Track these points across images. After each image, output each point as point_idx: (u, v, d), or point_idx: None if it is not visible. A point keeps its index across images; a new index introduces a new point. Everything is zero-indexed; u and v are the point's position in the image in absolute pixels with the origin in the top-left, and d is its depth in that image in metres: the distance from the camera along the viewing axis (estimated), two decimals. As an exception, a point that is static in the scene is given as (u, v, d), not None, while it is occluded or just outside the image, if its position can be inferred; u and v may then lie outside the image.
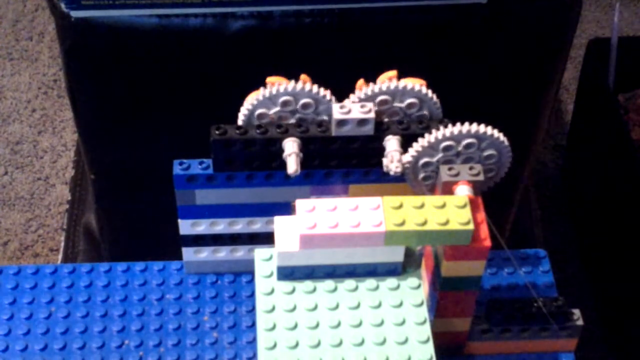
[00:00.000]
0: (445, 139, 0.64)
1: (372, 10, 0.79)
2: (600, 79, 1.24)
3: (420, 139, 0.65)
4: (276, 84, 0.66)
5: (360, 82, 0.66)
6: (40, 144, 1.49)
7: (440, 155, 0.65)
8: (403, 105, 0.66)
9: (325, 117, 0.67)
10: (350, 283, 0.64)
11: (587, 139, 1.34)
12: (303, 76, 0.66)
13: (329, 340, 0.61)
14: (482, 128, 0.64)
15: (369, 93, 0.66)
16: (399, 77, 0.66)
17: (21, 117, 1.53)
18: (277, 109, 0.67)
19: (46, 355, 0.72)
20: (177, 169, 0.69)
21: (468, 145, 0.64)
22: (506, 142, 0.65)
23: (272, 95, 0.66)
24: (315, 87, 0.66)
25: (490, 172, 0.66)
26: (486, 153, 0.65)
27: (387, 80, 0.66)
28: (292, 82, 0.66)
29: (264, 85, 0.66)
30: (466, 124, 0.64)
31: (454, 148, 0.65)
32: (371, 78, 0.67)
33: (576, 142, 1.39)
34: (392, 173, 0.65)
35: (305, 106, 0.66)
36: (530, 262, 0.78)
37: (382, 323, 0.62)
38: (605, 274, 1.28)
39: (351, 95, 0.66)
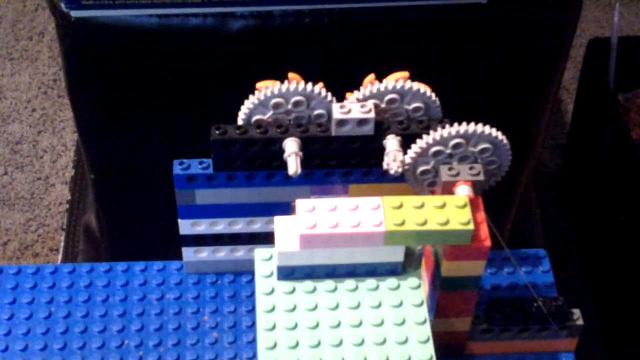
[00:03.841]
0: (429, 145, 0.64)
1: (372, 10, 0.79)
2: (600, 79, 1.24)
3: (409, 151, 0.65)
4: (268, 87, 0.66)
5: (371, 77, 0.66)
6: (40, 144, 1.49)
7: (433, 161, 0.65)
8: (410, 107, 0.66)
9: (321, 111, 0.67)
10: (350, 283, 0.64)
11: (587, 139, 1.34)
12: (291, 75, 0.66)
13: (329, 340, 0.61)
14: (462, 127, 0.64)
15: (382, 89, 0.65)
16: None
17: (21, 117, 1.53)
18: (271, 112, 0.67)
19: (46, 355, 0.72)
20: (177, 169, 0.69)
21: (456, 146, 0.64)
22: (504, 140, 0.65)
23: (264, 100, 0.66)
24: (302, 84, 0.66)
25: (492, 164, 0.66)
26: (479, 148, 0.65)
27: (395, 81, 0.66)
28: (279, 83, 0.66)
29: (254, 91, 0.66)
30: (447, 126, 0.64)
31: (443, 152, 0.65)
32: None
33: (576, 142, 1.39)
34: (392, 173, 0.65)
35: (296, 104, 0.66)
36: (530, 262, 0.78)
37: (382, 323, 0.62)
38: (605, 274, 1.28)
39: (355, 92, 0.66)
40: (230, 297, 0.76)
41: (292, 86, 0.65)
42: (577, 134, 1.38)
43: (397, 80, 0.66)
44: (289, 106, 0.66)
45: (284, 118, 0.67)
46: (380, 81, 0.66)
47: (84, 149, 0.93)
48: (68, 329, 0.73)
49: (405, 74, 0.66)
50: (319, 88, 0.66)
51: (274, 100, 0.66)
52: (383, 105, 0.66)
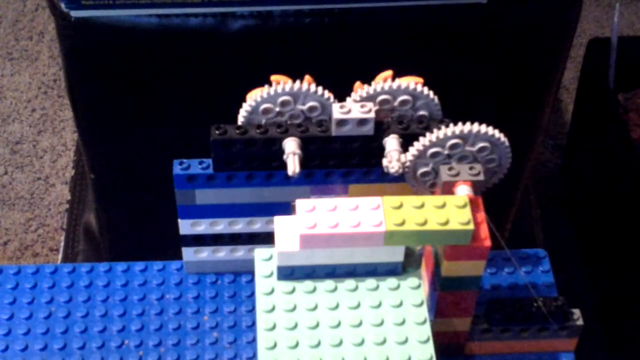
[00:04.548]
0: (426, 147, 0.64)
1: (372, 10, 0.79)
2: (600, 79, 1.24)
3: (407, 153, 0.65)
4: (281, 83, 0.66)
5: (357, 84, 0.67)
6: (40, 144, 1.49)
7: (432, 163, 0.65)
8: (396, 103, 0.67)
9: (313, 103, 0.67)
10: (350, 283, 0.64)
11: (587, 139, 1.34)
12: (273, 77, 0.66)
13: (329, 340, 0.61)
14: (458, 128, 0.64)
15: (365, 95, 0.66)
16: (398, 76, 0.66)
17: (21, 117, 1.53)
18: (264, 119, 0.67)
19: (46, 355, 0.72)
20: (177, 169, 0.69)
21: (453, 146, 0.64)
22: (501, 138, 0.65)
23: (252, 109, 0.66)
24: (283, 84, 0.66)
25: (492, 162, 0.66)
26: (477, 147, 0.65)
27: (383, 80, 0.66)
28: (297, 82, 0.66)
29: (268, 83, 0.66)
30: (443, 127, 0.64)
31: (441, 153, 0.65)
32: (371, 78, 0.67)
33: (576, 142, 1.39)
34: (392, 173, 0.65)
35: (284, 104, 0.66)
36: (530, 262, 0.78)
37: (382, 323, 0.62)
38: (605, 274, 1.28)
39: (349, 98, 0.66)
40: (230, 297, 0.76)
41: (275, 88, 0.65)
42: (577, 134, 1.38)
43: (417, 83, 0.66)
44: (277, 108, 0.66)
45: (282, 120, 0.67)
46: (364, 85, 0.66)
47: (84, 149, 0.93)
48: (68, 329, 0.73)
49: (389, 72, 0.66)
50: (302, 82, 0.66)
51: (262, 106, 0.66)
52: (396, 104, 0.66)
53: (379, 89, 0.66)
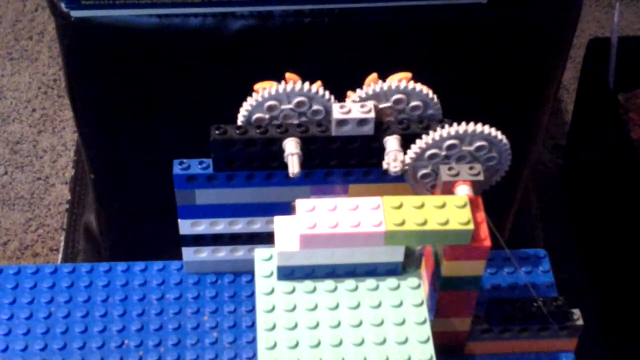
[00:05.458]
0: (423, 150, 0.64)
1: (372, 10, 0.79)
2: (600, 79, 1.24)
3: (405, 156, 0.65)
4: (265, 89, 0.66)
5: (374, 76, 0.66)
6: (40, 144, 1.49)
7: (431, 164, 0.65)
8: (408, 106, 0.67)
9: (318, 107, 0.67)
10: (350, 283, 0.64)
11: (587, 139, 1.34)
12: (288, 75, 0.66)
13: (329, 340, 0.61)
14: (453, 128, 0.64)
15: (380, 89, 0.66)
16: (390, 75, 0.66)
17: (21, 117, 1.53)
18: (273, 113, 0.67)
19: (46, 355, 0.72)
20: (177, 169, 0.69)
21: (450, 147, 0.64)
22: (498, 135, 0.65)
23: (262, 101, 0.66)
24: (300, 84, 0.66)
25: (491, 161, 0.66)
26: (474, 146, 0.65)
27: (406, 80, 0.66)
28: (276, 84, 0.66)
29: (278, 80, 0.66)
30: (439, 128, 0.64)
31: (439, 155, 0.65)
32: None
33: (576, 142, 1.39)
34: (392, 173, 0.65)
35: (299, 105, 0.66)
36: (530, 262, 0.78)
37: (382, 323, 0.62)
38: (605, 274, 1.28)
39: (358, 90, 0.66)
40: (230, 297, 0.76)
41: (290, 87, 0.65)
42: (577, 134, 1.38)
43: (401, 80, 0.66)
44: (291, 105, 0.66)
45: (289, 114, 0.67)
46: (378, 81, 0.66)
47: (84, 149, 0.93)
48: (68, 329, 0.73)
49: (408, 74, 0.66)
50: (317, 87, 0.66)
51: (268, 103, 0.66)
52: (410, 106, 0.66)
53: (402, 87, 0.65)
